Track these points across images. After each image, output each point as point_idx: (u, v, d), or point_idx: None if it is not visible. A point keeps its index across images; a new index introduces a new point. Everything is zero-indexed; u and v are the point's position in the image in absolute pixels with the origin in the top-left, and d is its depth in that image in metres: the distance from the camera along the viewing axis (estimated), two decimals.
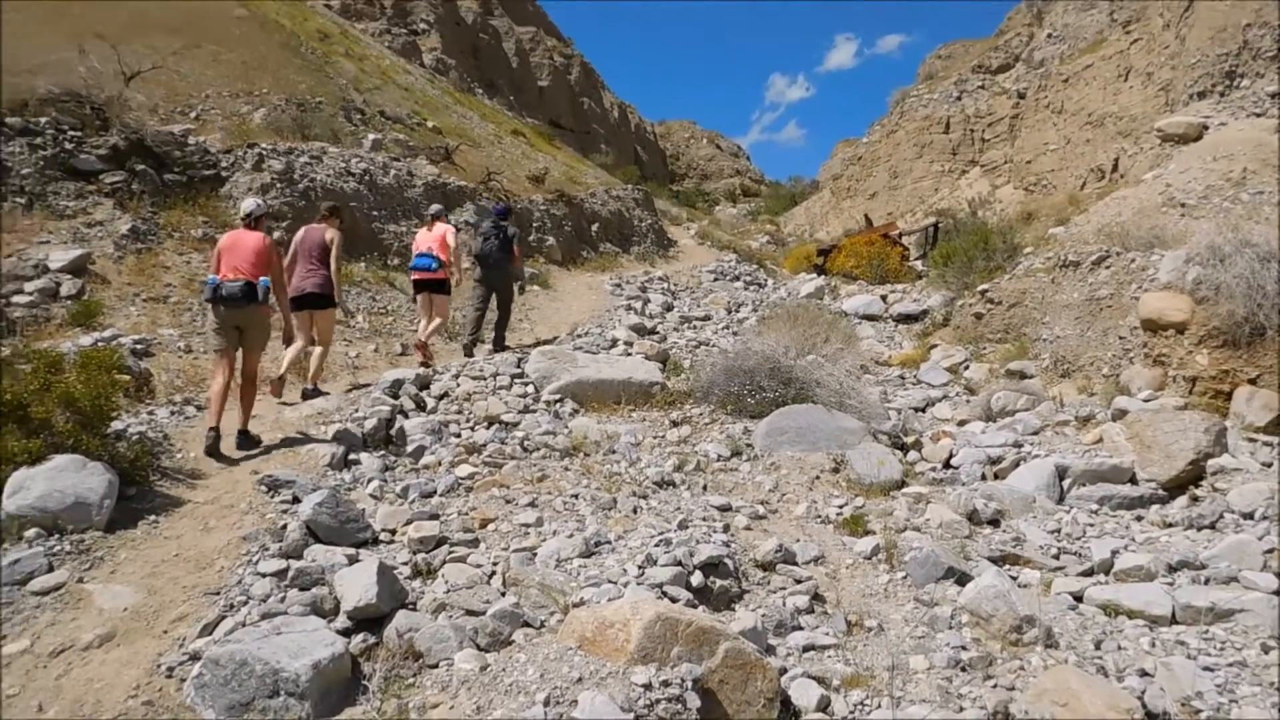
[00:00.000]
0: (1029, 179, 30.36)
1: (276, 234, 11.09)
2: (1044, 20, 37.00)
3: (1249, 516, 6.86)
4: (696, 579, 4.84)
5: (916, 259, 22.51)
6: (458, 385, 8.24)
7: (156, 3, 17.77)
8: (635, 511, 6.01)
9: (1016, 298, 13.42)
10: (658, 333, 12.44)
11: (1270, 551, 6.02)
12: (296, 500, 5.54)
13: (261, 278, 6.72)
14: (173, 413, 7.27)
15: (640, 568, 4.88)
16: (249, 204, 7.16)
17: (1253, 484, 7.35)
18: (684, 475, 6.99)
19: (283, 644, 3.85)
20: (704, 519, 5.95)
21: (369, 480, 6.22)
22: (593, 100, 50.40)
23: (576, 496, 6.15)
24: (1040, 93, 31.46)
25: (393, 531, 5.44)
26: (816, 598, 5.15)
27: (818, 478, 7.30)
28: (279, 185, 11.58)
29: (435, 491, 6.12)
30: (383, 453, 6.79)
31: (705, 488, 6.86)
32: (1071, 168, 28.39)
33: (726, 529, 5.82)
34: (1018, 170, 31.49)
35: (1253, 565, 5.89)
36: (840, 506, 6.79)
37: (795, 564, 5.54)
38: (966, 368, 12.76)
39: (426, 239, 10.12)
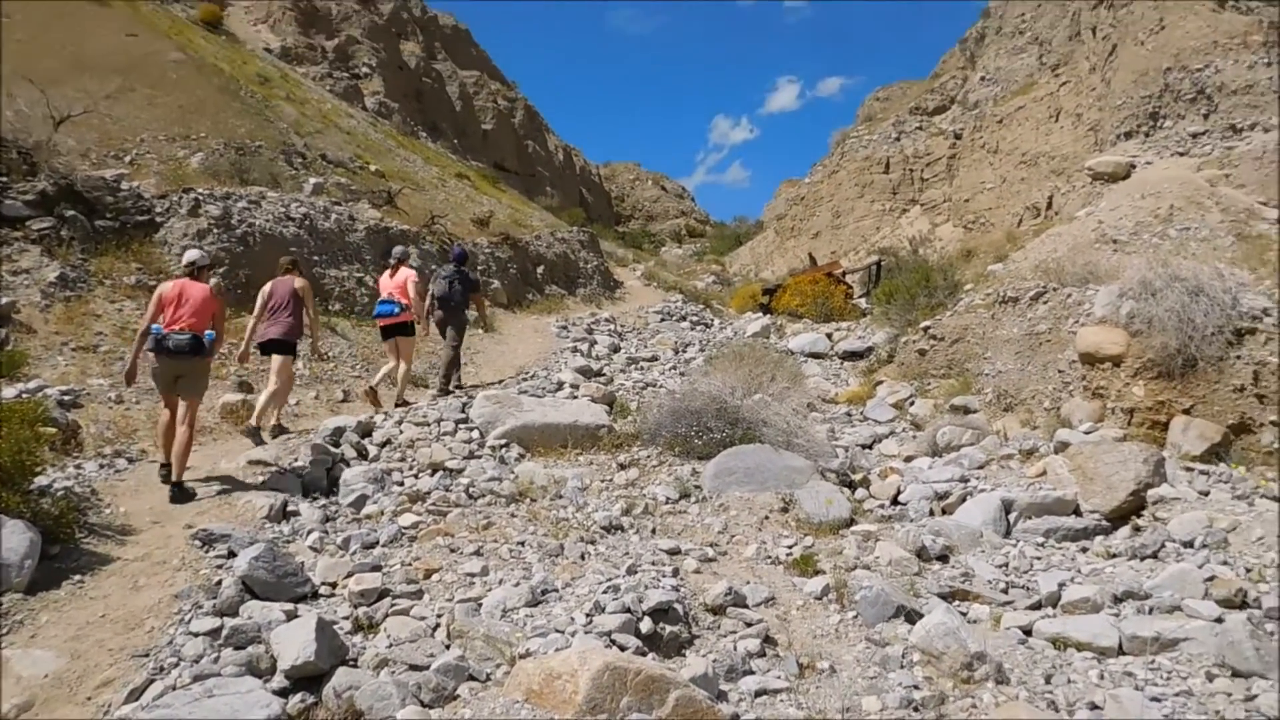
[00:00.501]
0: (967, 217, 31.02)
1: (214, 281, 10.87)
2: (977, 63, 38.01)
3: (1189, 545, 6.96)
4: (646, 625, 4.74)
5: (860, 297, 22.81)
6: (401, 432, 8.08)
7: (91, 46, 17.52)
8: (583, 558, 5.91)
9: (958, 334, 13.62)
10: (604, 374, 12.38)
11: (1211, 580, 6.11)
12: (232, 554, 5.34)
13: (207, 331, 6.82)
14: (102, 466, 7.01)
15: (588, 616, 4.78)
16: (192, 254, 7.33)
17: (1192, 513, 7.47)
18: (632, 519, 6.90)
19: (215, 707, 3.69)
20: (653, 563, 5.87)
21: (309, 532, 6.03)
22: (537, 143, 50.56)
23: (523, 544, 6.03)
24: (976, 133, 32.25)
25: (333, 585, 5.27)
26: (768, 640, 5.09)
27: (767, 518, 7.26)
28: (216, 230, 11.35)
29: (377, 542, 5.96)
30: (323, 503, 6.61)
31: (654, 531, 6.78)
32: (1008, 205, 29.07)
33: (676, 573, 5.74)
34: (956, 209, 32.17)
35: (1195, 594, 5.96)
36: (790, 547, 6.75)
37: (746, 607, 5.47)
38: (912, 404, 12.88)
39: (388, 285, 10.14)
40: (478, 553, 5.82)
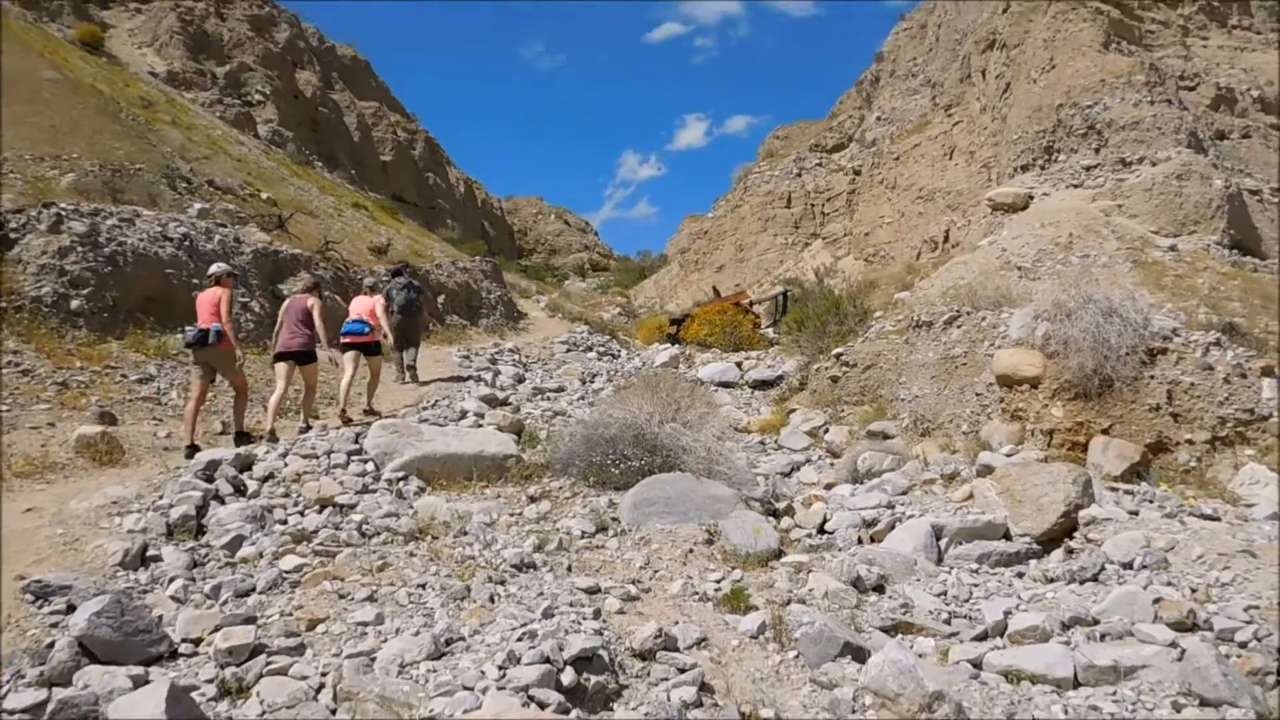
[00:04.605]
0: (868, 250, 31.45)
1: (76, 303, 9.86)
2: (873, 104, 38.86)
3: (1128, 566, 6.79)
4: (568, 677, 4.12)
5: (768, 327, 22.71)
6: (285, 465, 7.20)
7: None
8: (492, 600, 5.24)
9: (871, 360, 13.46)
10: (510, 404, 11.70)
11: (1158, 601, 5.86)
12: (72, 609, 4.47)
13: (213, 324, 8.37)
14: None
15: (501, 668, 4.12)
16: (213, 268, 8.97)
17: (1126, 533, 7.32)
18: (545, 555, 6.27)
19: None
20: (571, 604, 5.25)
21: (170, 580, 5.15)
22: (438, 175, 49.58)
23: (424, 586, 5.31)
24: (874, 170, 32.83)
25: (196, 641, 4.46)
26: (704, 688, 4.53)
27: (691, 551, 6.74)
28: (81, 249, 10.24)
29: (253, 589, 5.14)
30: (191, 545, 5.72)
31: (570, 568, 6.16)
32: (906, 239, 29.57)
33: (597, 614, 5.13)
34: (857, 242, 32.61)
35: (1144, 617, 5.73)
36: (718, 581, 6.26)
37: (677, 650, 4.90)
38: (826, 431, 12.65)
39: (359, 306, 11.38)
40: (371, 598, 5.09)
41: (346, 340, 10.83)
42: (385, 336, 11.49)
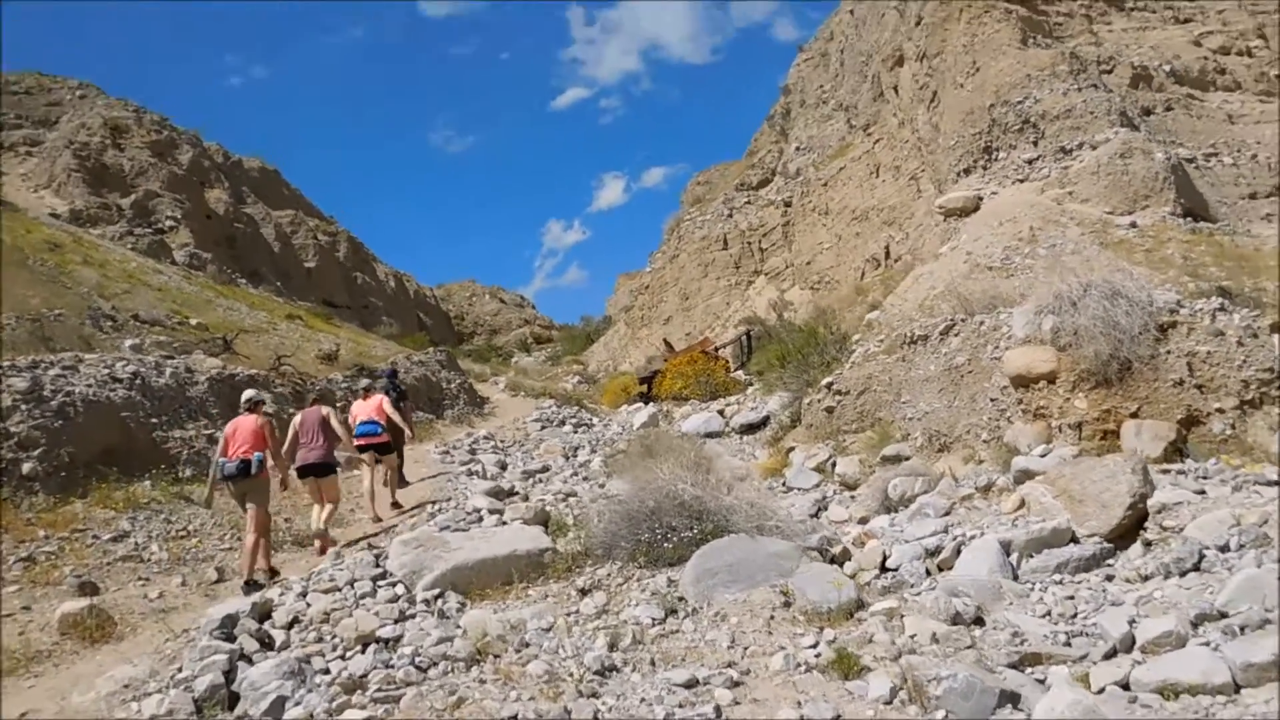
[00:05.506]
0: (812, 278, 31.41)
1: (28, 466, 8.92)
2: (789, 136, 39.24)
3: (1225, 549, 6.37)
4: None
5: (736, 370, 22.33)
6: (308, 605, 6.37)
7: None
8: (596, 716, 4.53)
9: (863, 385, 13.07)
10: (518, 491, 11.00)
11: None
12: None
13: (255, 453, 8.19)
14: None
15: None
16: (248, 393, 8.96)
17: (1207, 515, 6.93)
18: (623, 654, 5.58)
19: None
20: (680, 705, 4.58)
21: None
22: (365, 274, 48.70)
23: (515, 717, 4.58)
24: (804, 199, 32.95)
25: None
26: None
27: (772, 618, 6.14)
28: (25, 407, 9.27)
29: None
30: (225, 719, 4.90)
31: (653, 663, 5.48)
32: (848, 261, 29.58)
33: (718, 712, 4.46)
34: (800, 272, 32.59)
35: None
36: (813, 646, 5.65)
37: None
38: (834, 464, 12.15)
39: (365, 409, 11.27)
40: None
41: (360, 443, 10.89)
42: (406, 432, 12.07)
